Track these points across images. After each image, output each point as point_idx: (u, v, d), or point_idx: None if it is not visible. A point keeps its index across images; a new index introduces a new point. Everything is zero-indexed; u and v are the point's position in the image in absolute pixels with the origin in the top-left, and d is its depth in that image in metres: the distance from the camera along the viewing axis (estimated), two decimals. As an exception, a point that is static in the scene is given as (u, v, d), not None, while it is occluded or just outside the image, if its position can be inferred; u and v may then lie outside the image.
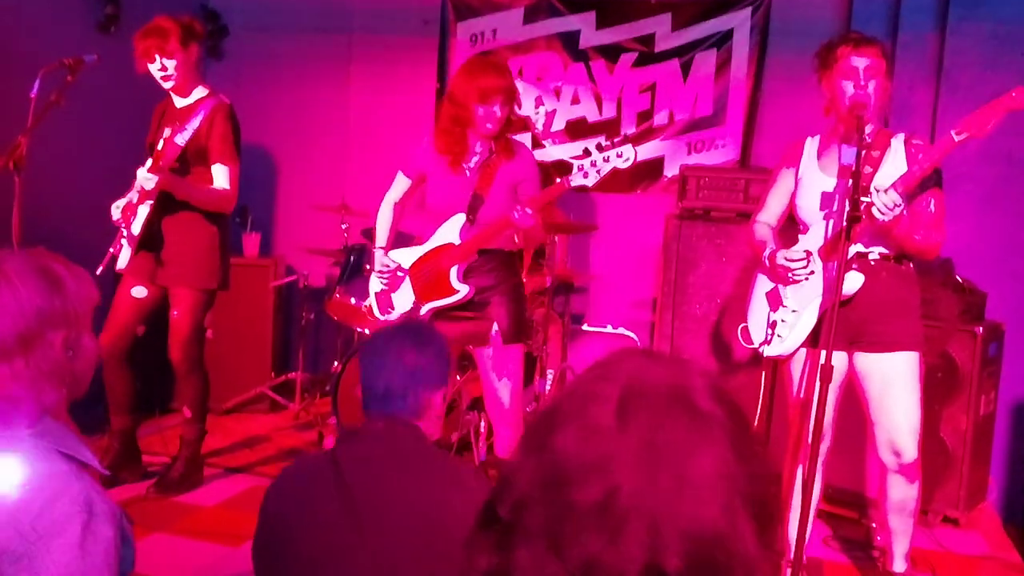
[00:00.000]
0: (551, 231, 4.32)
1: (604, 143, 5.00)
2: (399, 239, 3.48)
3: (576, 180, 3.10)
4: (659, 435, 0.78)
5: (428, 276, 3.21)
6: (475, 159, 3.18)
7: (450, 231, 3.17)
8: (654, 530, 0.75)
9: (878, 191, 2.59)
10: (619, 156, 3.08)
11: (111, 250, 3.58)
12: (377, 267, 3.31)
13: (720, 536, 0.76)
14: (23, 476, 1.33)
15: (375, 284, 3.37)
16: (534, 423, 0.86)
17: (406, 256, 3.29)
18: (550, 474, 0.79)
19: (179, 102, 3.62)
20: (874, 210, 2.57)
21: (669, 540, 0.75)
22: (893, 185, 2.60)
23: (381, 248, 3.34)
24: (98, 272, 3.53)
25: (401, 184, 3.35)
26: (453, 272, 3.16)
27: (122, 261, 3.56)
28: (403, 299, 3.28)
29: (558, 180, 3.16)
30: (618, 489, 0.76)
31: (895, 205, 2.57)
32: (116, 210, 3.57)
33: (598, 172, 3.09)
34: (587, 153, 3.15)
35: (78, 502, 1.33)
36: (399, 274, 3.28)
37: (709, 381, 0.84)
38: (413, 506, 1.70)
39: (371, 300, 3.39)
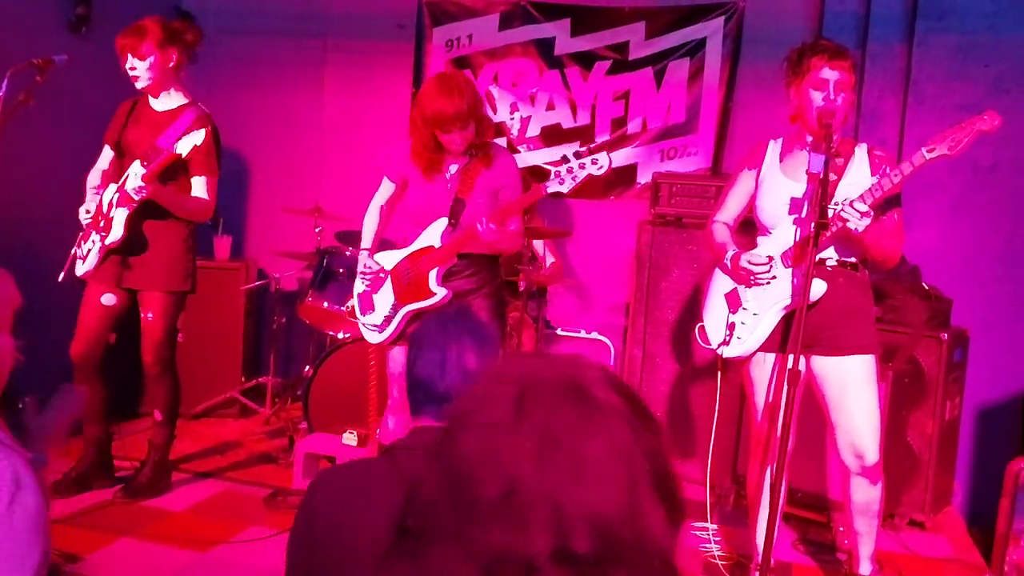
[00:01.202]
0: (528, 236, 4.34)
1: (580, 149, 5.04)
2: (382, 245, 3.48)
3: (552, 187, 3.14)
4: (553, 423, 0.80)
5: (409, 278, 3.21)
6: (454, 166, 3.19)
7: (432, 234, 3.19)
8: (558, 516, 0.76)
9: (850, 203, 2.63)
10: (594, 163, 3.12)
11: (74, 251, 3.54)
12: (360, 268, 3.31)
13: (624, 516, 0.78)
14: None
15: (359, 285, 3.36)
16: (437, 435, 0.86)
17: (389, 258, 3.30)
18: (454, 477, 0.81)
19: (156, 105, 3.59)
20: (849, 224, 2.62)
21: (574, 523, 0.76)
22: (861, 196, 2.64)
23: (366, 250, 3.34)
24: (60, 279, 3.50)
25: (386, 189, 3.36)
26: (432, 275, 3.17)
27: (87, 265, 3.51)
28: (383, 300, 3.28)
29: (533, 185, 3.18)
30: (519, 480, 0.77)
31: (863, 214, 2.61)
32: (86, 214, 3.54)
33: (574, 179, 3.12)
34: (564, 160, 3.18)
35: (4, 477, 1.37)
36: (381, 276, 3.28)
37: (603, 372, 0.86)
38: None
39: (354, 300, 3.39)
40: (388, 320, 3.24)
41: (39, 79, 3.25)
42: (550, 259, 4.85)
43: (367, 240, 3.36)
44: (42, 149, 4.24)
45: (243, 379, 4.87)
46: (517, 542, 0.76)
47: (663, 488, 0.81)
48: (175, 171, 3.50)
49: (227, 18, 5.39)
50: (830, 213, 2.62)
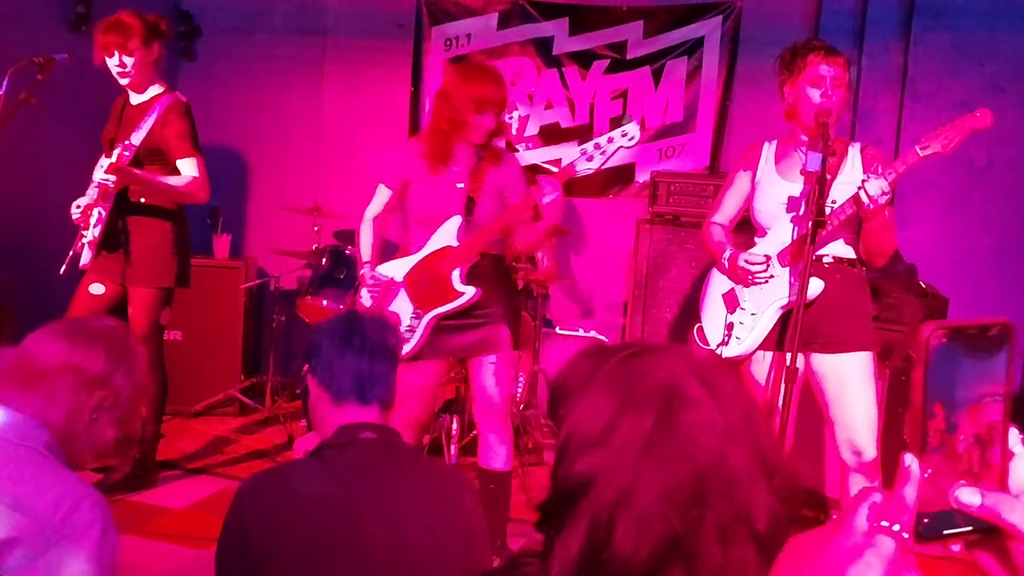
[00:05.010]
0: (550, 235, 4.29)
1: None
2: (386, 249, 3.38)
3: (580, 164, 2.98)
4: (747, 408, 0.87)
5: (428, 282, 3.05)
6: (462, 164, 3.07)
7: (447, 234, 3.03)
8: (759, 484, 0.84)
9: (873, 176, 2.61)
10: (624, 135, 2.95)
11: (72, 252, 3.56)
12: (368, 282, 3.12)
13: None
14: (47, 482, 1.39)
15: (365, 299, 3.16)
16: (616, 441, 0.85)
17: (398, 268, 3.13)
18: (687, 483, 0.83)
19: (135, 99, 3.61)
20: (862, 193, 2.58)
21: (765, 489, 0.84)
22: (883, 174, 2.61)
23: (368, 263, 3.16)
24: (61, 272, 3.52)
25: (382, 196, 3.18)
26: (455, 275, 3.02)
27: (83, 260, 3.53)
28: (401, 311, 3.10)
29: (552, 170, 3.13)
30: (732, 459, 0.84)
31: (883, 193, 2.59)
32: (76, 210, 3.55)
33: (603, 154, 2.98)
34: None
35: (99, 507, 1.41)
36: (392, 286, 3.11)
37: (690, 365, 0.92)
38: (430, 510, 1.66)
39: None
40: (412, 329, 3.05)
41: (40, 77, 3.27)
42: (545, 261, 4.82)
43: (366, 254, 3.18)
44: (43, 146, 4.25)
45: (242, 377, 4.88)
46: (749, 507, 0.83)
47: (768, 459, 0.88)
48: (142, 162, 3.52)
49: (226, 16, 5.41)
50: (827, 211, 2.63)
